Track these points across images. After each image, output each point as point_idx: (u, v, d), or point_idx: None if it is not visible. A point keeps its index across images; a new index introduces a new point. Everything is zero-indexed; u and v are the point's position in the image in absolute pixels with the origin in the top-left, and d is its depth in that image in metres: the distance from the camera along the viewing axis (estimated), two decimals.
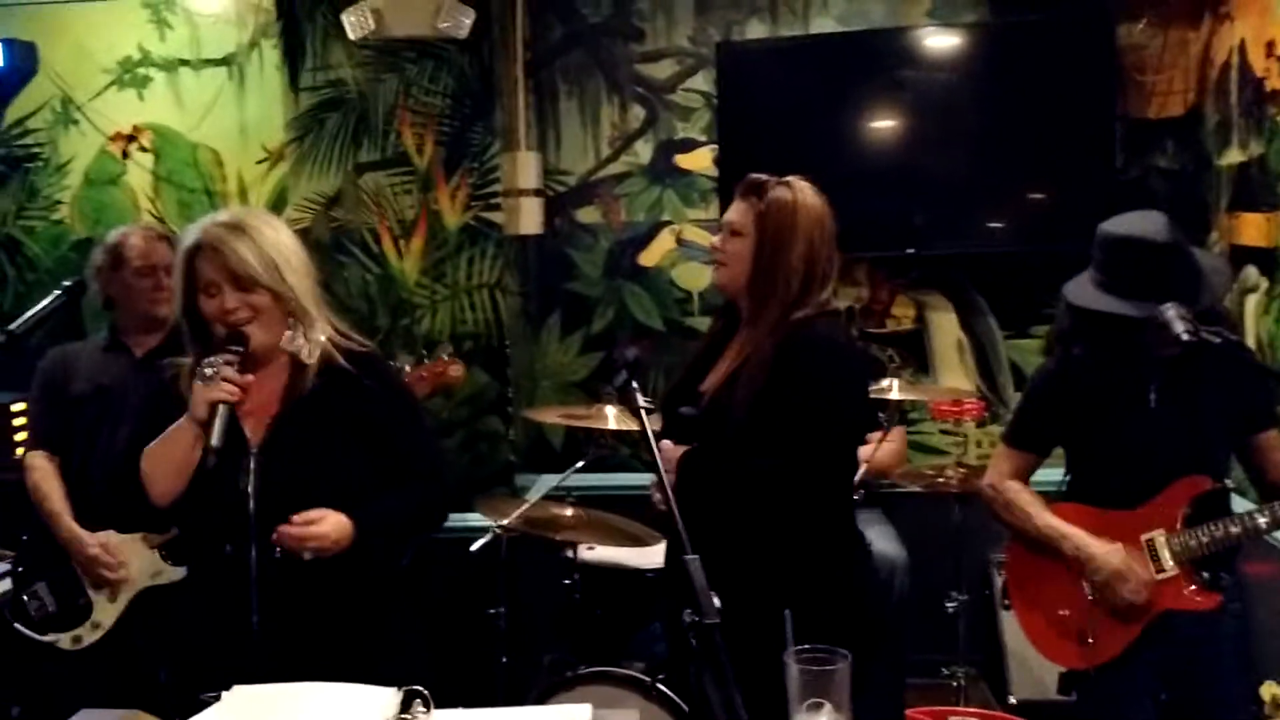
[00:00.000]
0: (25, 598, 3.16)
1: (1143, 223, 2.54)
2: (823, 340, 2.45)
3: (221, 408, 2.16)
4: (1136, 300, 2.46)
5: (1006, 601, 2.86)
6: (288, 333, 2.28)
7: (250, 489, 2.23)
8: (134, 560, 3.11)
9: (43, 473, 3.18)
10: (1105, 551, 2.56)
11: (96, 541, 3.08)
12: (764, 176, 2.55)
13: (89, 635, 3.13)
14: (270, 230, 2.28)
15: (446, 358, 3.63)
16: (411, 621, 2.45)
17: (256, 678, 1.90)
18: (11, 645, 3.19)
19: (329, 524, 2.19)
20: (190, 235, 2.26)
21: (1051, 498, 2.75)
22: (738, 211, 2.53)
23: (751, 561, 2.43)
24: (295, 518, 2.18)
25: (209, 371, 2.19)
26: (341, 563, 2.25)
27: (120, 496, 2.42)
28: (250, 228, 2.25)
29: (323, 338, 2.30)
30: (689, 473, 2.45)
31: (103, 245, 3.27)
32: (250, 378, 2.22)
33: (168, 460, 2.26)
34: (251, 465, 2.25)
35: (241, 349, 2.22)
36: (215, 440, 2.14)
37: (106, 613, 3.13)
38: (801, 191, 2.51)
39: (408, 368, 3.63)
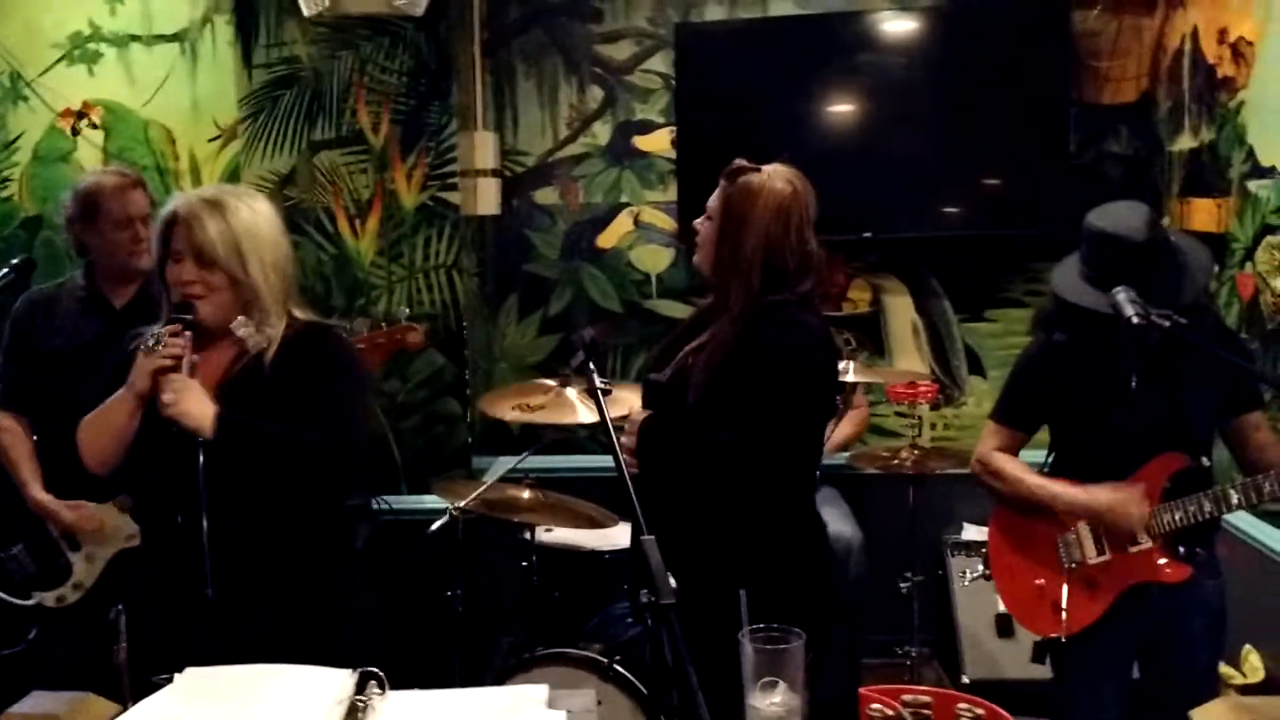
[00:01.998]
0: (3, 561, 3.11)
1: (1125, 218, 2.56)
2: (786, 320, 2.47)
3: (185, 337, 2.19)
4: (1122, 295, 2.47)
5: (988, 571, 2.91)
6: (240, 317, 2.27)
7: (200, 458, 2.22)
8: (108, 521, 3.07)
9: (12, 435, 3.14)
10: (1099, 492, 2.61)
11: (66, 508, 3.04)
12: (745, 163, 2.56)
13: (71, 595, 3.10)
14: (248, 214, 2.27)
15: (404, 322, 3.60)
16: (367, 597, 2.44)
17: (212, 650, 1.89)
18: None
19: (189, 390, 2.18)
20: (170, 204, 2.27)
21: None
22: (714, 195, 2.58)
23: (708, 540, 2.45)
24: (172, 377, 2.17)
25: (151, 342, 2.19)
26: (292, 533, 2.27)
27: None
28: (228, 208, 2.25)
29: (275, 332, 2.29)
30: (649, 436, 2.49)
31: (73, 193, 3.15)
32: (191, 351, 2.21)
33: (105, 429, 2.26)
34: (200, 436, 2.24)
35: (187, 318, 2.22)
36: (184, 371, 2.18)
37: (87, 573, 3.10)
38: (770, 179, 2.51)
39: (365, 330, 3.60)
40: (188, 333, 2.22)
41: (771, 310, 2.46)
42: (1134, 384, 2.61)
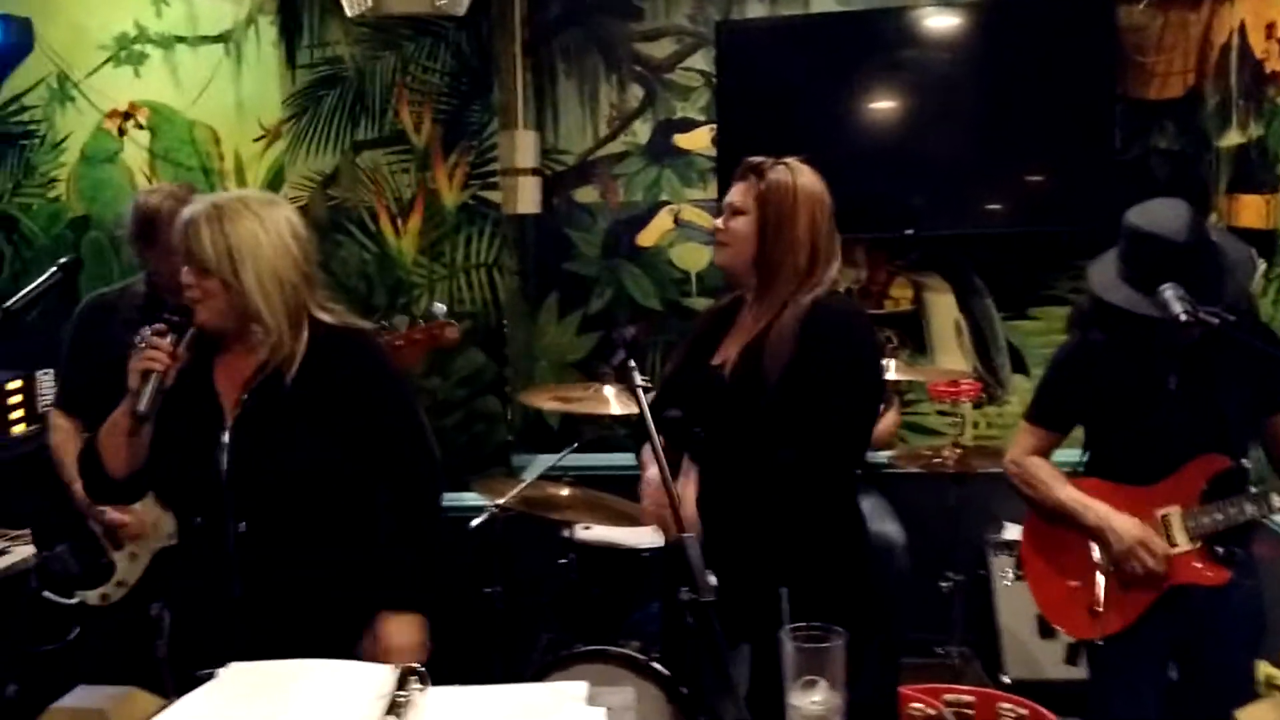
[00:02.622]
0: (48, 562, 3.16)
1: (1165, 218, 2.51)
2: (849, 317, 2.51)
3: (153, 376, 2.19)
4: (1161, 297, 2.44)
5: (1020, 573, 2.89)
6: (254, 327, 2.29)
7: (223, 462, 2.25)
8: (148, 519, 3.11)
9: (63, 434, 3.18)
10: (1126, 522, 2.59)
11: (110, 509, 3.07)
12: (761, 158, 2.58)
13: (115, 593, 3.14)
14: (250, 223, 2.26)
15: (441, 319, 3.60)
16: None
17: (244, 647, 1.90)
18: (8, 622, 3.20)
19: (407, 639, 2.28)
20: (183, 212, 2.30)
21: (1070, 475, 2.77)
22: (738, 192, 2.57)
23: (754, 540, 2.44)
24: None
25: (139, 341, 2.23)
26: (317, 532, 2.29)
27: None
28: (228, 214, 2.25)
29: (284, 339, 2.29)
30: (715, 485, 2.46)
31: (133, 211, 3.19)
32: (171, 347, 2.23)
33: (113, 433, 2.29)
34: (225, 439, 2.26)
35: (177, 319, 2.25)
36: (143, 406, 2.18)
37: (130, 571, 3.14)
38: (799, 171, 2.54)
39: (402, 329, 3.61)
40: (172, 335, 2.23)
41: (823, 304, 2.46)
42: (1172, 383, 2.58)
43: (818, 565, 2.42)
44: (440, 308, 3.61)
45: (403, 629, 2.30)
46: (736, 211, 2.55)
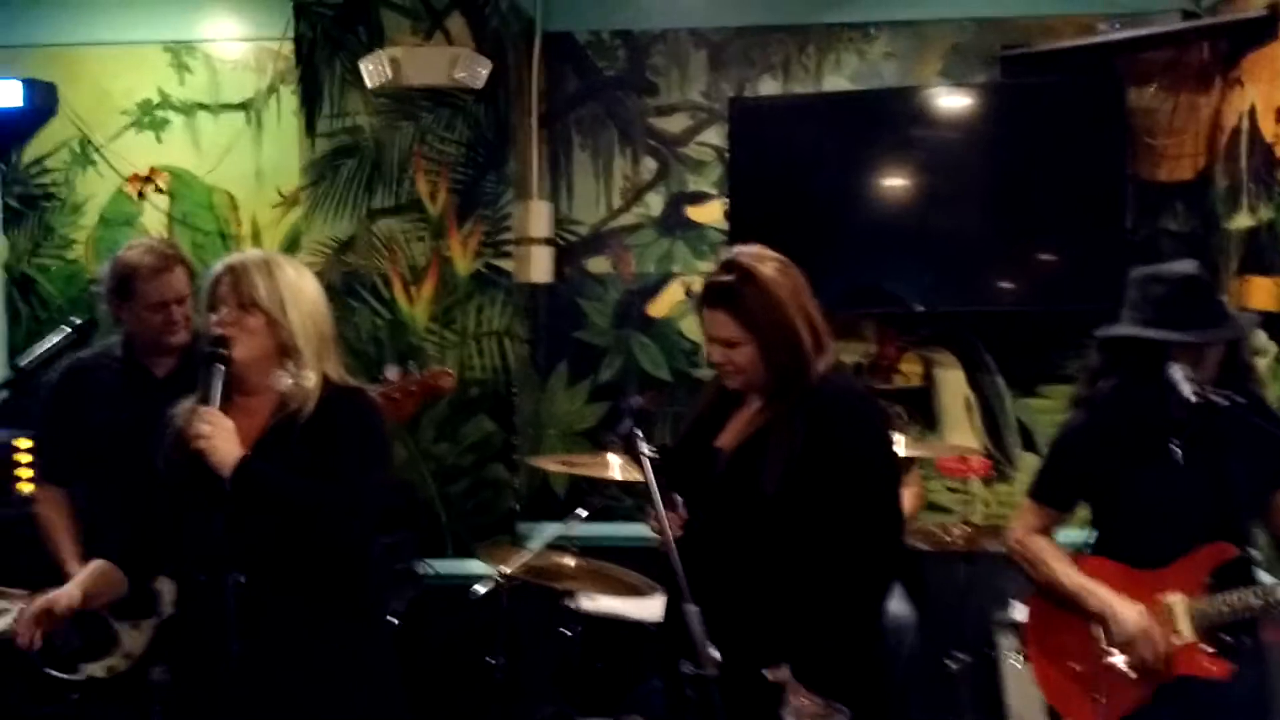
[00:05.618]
0: (50, 636, 3.11)
1: (1172, 264, 2.64)
2: (852, 401, 2.46)
3: (215, 375, 2.24)
4: (1162, 328, 2.48)
5: (1025, 653, 2.84)
6: (279, 371, 2.32)
7: (222, 519, 2.24)
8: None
9: (49, 505, 3.11)
10: (1129, 611, 2.53)
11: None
12: (723, 278, 2.43)
13: (122, 664, 3.09)
14: (294, 272, 2.37)
15: (437, 368, 3.58)
16: (386, 660, 2.44)
17: (241, 709, 1.89)
18: (4, 687, 3.16)
19: (224, 428, 2.23)
20: (219, 264, 2.35)
21: (1074, 554, 2.74)
22: (720, 325, 2.42)
23: (759, 615, 2.40)
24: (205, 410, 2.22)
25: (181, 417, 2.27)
26: (309, 591, 2.29)
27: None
28: (274, 264, 2.35)
29: (311, 383, 2.32)
30: (713, 566, 2.40)
31: (111, 267, 3.11)
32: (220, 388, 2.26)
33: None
34: (225, 495, 2.25)
35: (221, 352, 2.26)
36: (213, 403, 2.23)
37: (134, 640, 3.09)
38: (761, 267, 2.42)
39: (396, 378, 3.59)
40: (221, 366, 2.26)
41: (823, 385, 2.43)
42: (1179, 455, 2.55)
43: (829, 650, 2.38)
44: (437, 359, 3.61)
45: (233, 442, 2.25)
46: (729, 344, 2.43)
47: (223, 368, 2.26)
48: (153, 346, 3.12)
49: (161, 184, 4.65)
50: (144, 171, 4.65)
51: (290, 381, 2.30)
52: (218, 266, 2.35)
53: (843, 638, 2.39)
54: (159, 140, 4.64)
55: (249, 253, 2.40)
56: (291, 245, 4.46)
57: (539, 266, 4.46)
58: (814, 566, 2.36)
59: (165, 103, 4.62)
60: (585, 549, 3.60)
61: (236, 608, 2.22)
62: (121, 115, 4.64)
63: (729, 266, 2.42)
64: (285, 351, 2.32)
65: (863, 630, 2.45)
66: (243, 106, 4.60)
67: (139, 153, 4.65)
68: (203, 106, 4.62)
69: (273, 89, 4.56)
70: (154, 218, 4.65)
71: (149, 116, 4.63)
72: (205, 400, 2.24)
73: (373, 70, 4.03)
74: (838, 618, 2.37)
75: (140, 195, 4.65)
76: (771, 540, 2.39)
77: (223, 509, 2.22)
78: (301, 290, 2.35)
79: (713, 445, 2.52)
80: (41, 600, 2.46)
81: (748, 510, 2.39)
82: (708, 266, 4.47)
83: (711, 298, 2.44)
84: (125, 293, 3.06)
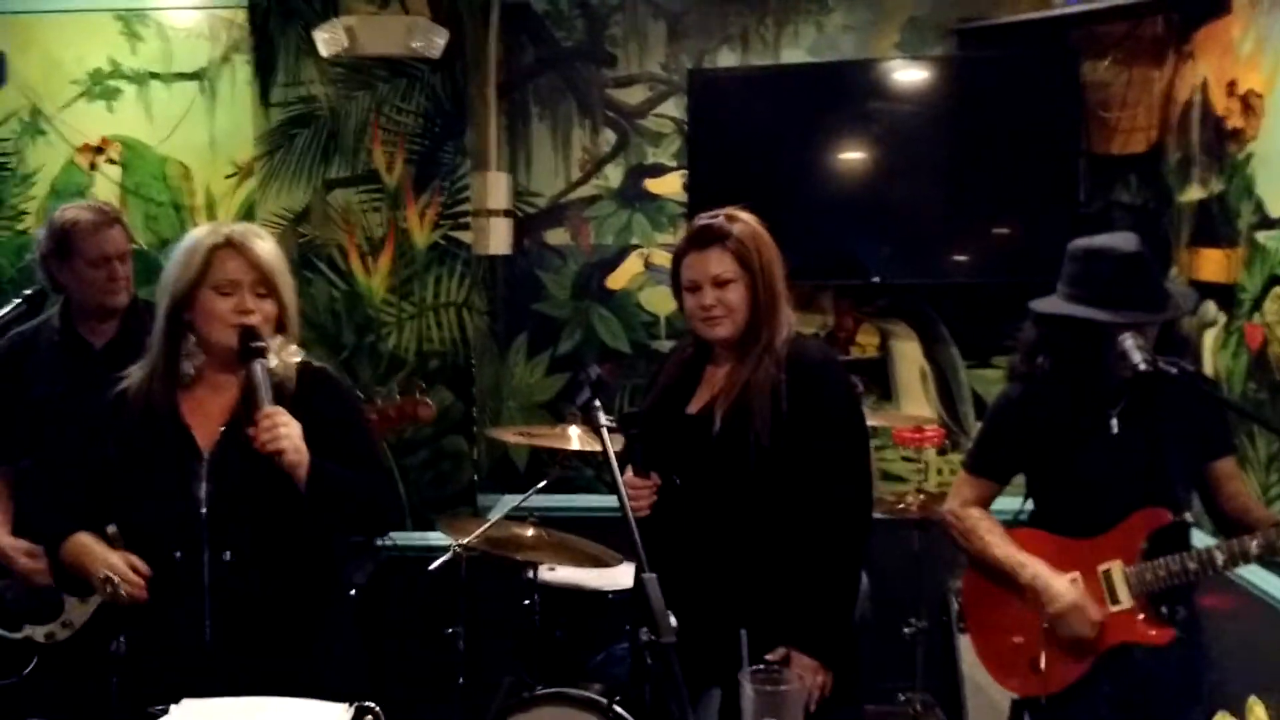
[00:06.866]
0: (2, 591, 3.09)
1: (1112, 237, 2.61)
2: (828, 360, 2.56)
3: (262, 371, 2.20)
4: (1104, 308, 2.48)
5: (962, 625, 2.87)
6: (273, 342, 2.30)
7: (202, 495, 2.23)
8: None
9: None
10: (1061, 586, 2.56)
11: (25, 554, 2.97)
12: (714, 220, 2.52)
13: (61, 633, 3.08)
14: (274, 244, 2.34)
15: (419, 395, 3.62)
16: (351, 635, 2.45)
17: (209, 687, 1.89)
18: None
19: (295, 426, 2.18)
20: (212, 232, 2.28)
21: (1011, 525, 2.77)
22: (715, 262, 2.48)
23: (735, 584, 2.44)
24: (263, 414, 2.17)
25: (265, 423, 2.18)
26: (286, 569, 2.27)
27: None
28: (265, 237, 2.32)
29: (297, 357, 2.32)
30: (693, 531, 2.47)
31: (48, 228, 3.08)
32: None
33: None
34: (204, 472, 2.25)
35: (263, 344, 2.24)
36: (268, 401, 2.18)
37: (78, 612, 3.08)
38: (751, 218, 2.54)
39: (378, 400, 3.62)
40: (264, 360, 2.23)
41: (802, 350, 2.48)
42: (1114, 426, 2.59)
43: (815, 607, 2.42)
44: (421, 385, 3.65)
45: (300, 436, 2.23)
46: (723, 282, 2.47)
47: (266, 362, 2.22)
48: (93, 310, 3.10)
49: (113, 154, 4.58)
50: (95, 141, 4.58)
51: (276, 360, 2.28)
52: (210, 239, 2.27)
53: (828, 597, 2.43)
54: (111, 110, 4.57)
55: (234, 226, 2.31)
56: (247, 216, 4.42)
57: (497, 238, 4.45)
58: (796, 524, 2.40)
59: (117, 72, 4.55)
60: (545, 520, 3.62)
61: (215, 584, 2.22)
62: (72, 84, 4.57)
63: (716, 216, 2.52)
64: (278, 328, 2.30)
65: (846, 590, 2.49)
66: (196, 76, 4.53)
67: (90, 122, 4.58)
68: (155, 76, 4.55)
69: (226, 58, 4.50)
70: (106, 188, 4.58)
71: (100, 86, 4.56)
72: (257, 403, 2.18)
73: (328, 39, 3.99)
74: (823, 576, 2.42)
75: (92, 166, 4.58)
76: (761, 496, 2.44)
77: (203, 490, 2.22)
78: (286, 263, 2.33)
79: (686, 414, 2.54)
80: None
81: (742, 466, 2.43)
82: (667, 239, 4.52)
83: (704, 237, 2.50)
84: (65, 251, 3.04)
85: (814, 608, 2.42)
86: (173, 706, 1.82)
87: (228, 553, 2.22)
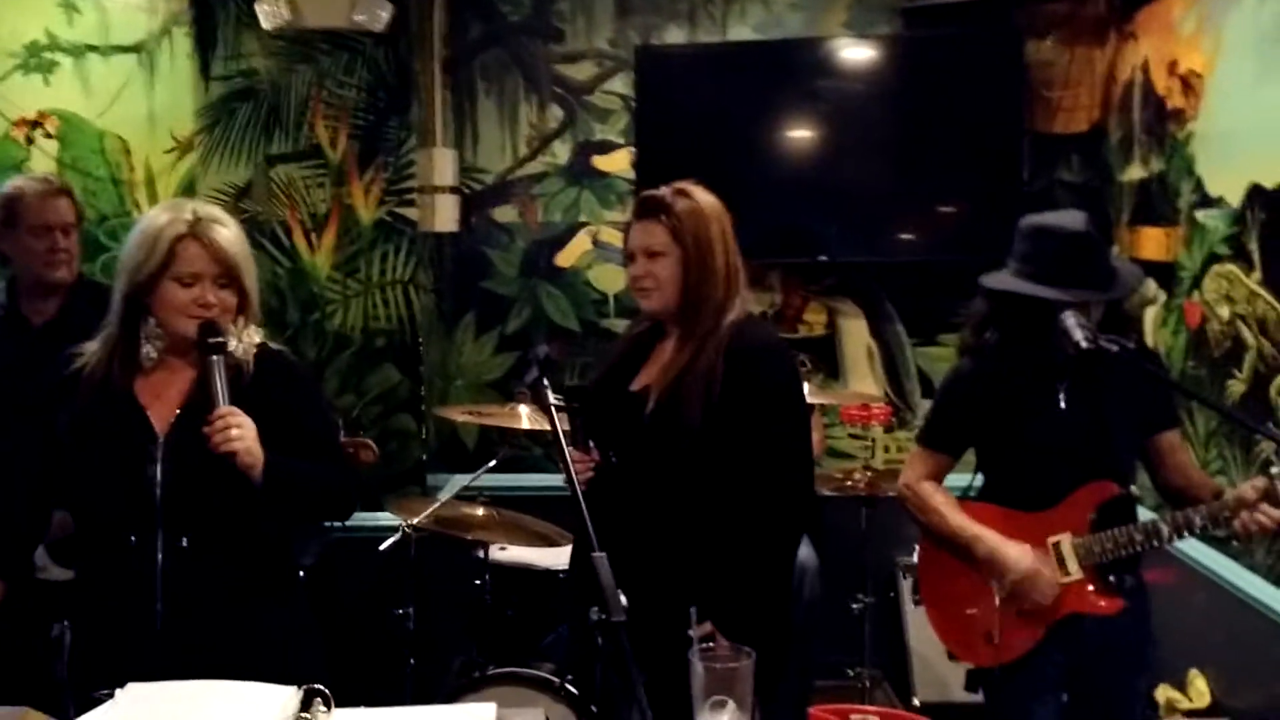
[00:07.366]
0: None
1: (1061, 215, 2.66)
2: (769, 344, 2.53)
3: (217, 368, 2.16)
4: (1052, 285, 2.51)
5: (917, 597, 2.90)
6: (232, 326, 2.26)
7: (157, 477, 2.19)
8: None
9: None
10: (1016, 554, 2.59)
11: None
12: (659, 192, 2.52)
13: None
14: (237, 228, 2.29)
15: (361, 438, 3.62)
16: (306, 617, 2.43)
17: (158, 670, 1.86)
18: None
19: (249, 427, 2.15)
20: (175, 220, 2.21)
21: (962, 499, 2.80)
22: (649, 233, 2.49)
23: (673, 563, 2.44)
24: (216, 414, 2.13)
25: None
26: (240, 552, 2.25)
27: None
28: (229, 223, 2.26)
29: (257, 340, 2.29)
30: (628, 509, 2.45)
31: None
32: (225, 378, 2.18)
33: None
34: (158, 454, 2.21)
35: (222, 339, 2.19)
36: (223, 400, 2.14)
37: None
38: (700, 193, 2.52)
39: None
40: (220, 357, 2.18)
41: (741, 332, 2.47)
42: (1062, 400, 2.62)
43: (746, 589, 2.42)
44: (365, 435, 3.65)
45: (255, 434, 2.18)
46: (654, 254, 2.48)
47: (222, 358, 2.18)
48: (36, 284, 3.05)
49: (50, 129, 4.48)
50: (32, 115, 4.47)
51: (236, 342, 2.24)
52: (172, 227, 2.20)
53: (759, 579, 2.44)
54: (47, 83, 4.46)
55: (198, 210, 2.24)
56: (188, 191, 4.34)
57: (444, 215, 4.41)
58: (732, 507, 2.41)
59: (53, 44, 4.43)
60: (494, 499, 3.61)
61: (168, 569, 2.19)
62: (8, 57, 4.44)
63: (668, 188, 2.51)
64: (242, 316, 2.27)
65: (778, 572, 2.50)
66: (134, 48, 4.43)
67: (26, 96, 4.46)
68: (92, 48, 4.44)
69: (165, 30, 4.40)
70: (43, 163, 4.47)
71: (36, 59, 4.44)
72: (213, 400, 2.14)
73: (269, 11, 3.92)
74: (754, 558, 2.43)
75: (28, 140, 4.48)
76: (693, 479, 2.43)
77: (157, 474, 2.18)
78: (248, 249, 2.29)
79: (628, 391, 2.55)
80: None
81: (673, 447, 2.43)
82: (615, 216, 4.51)
83: (646, 207, 2.51)
84: (10, 220, 3.01)
85: (738, 592, 2.42)
86: (118, 690, 1.79)
87: (184, 539, 2.18)
